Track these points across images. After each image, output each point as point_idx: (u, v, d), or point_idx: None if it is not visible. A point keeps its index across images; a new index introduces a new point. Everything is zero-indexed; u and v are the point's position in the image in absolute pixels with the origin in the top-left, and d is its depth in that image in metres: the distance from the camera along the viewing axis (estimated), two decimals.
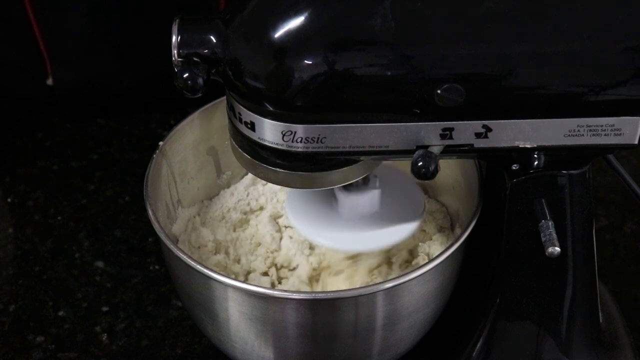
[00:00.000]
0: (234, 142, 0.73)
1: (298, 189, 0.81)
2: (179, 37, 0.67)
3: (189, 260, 0.74)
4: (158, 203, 0.82)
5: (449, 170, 0.86)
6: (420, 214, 0.81)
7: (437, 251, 0.86)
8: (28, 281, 0.96)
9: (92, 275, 0.97)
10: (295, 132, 0.68)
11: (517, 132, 0.69)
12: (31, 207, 1.04)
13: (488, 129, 0.68)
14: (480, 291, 0.82)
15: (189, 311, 0.84)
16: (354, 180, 0.75)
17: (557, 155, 0.72)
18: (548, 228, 0.72)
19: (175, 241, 0.86)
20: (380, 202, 0.80)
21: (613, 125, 0.69)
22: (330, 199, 0.80)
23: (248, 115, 0.69)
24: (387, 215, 0.81)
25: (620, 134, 0.69)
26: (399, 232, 0.80)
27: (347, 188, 0.78)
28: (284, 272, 0.87)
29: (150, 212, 0.78)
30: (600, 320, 0.82)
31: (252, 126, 0.69)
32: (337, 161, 0.71)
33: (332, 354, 0.77)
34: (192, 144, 0.87)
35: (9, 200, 1.05)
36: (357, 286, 0.83)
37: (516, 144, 0.69)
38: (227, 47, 0.67)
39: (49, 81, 1.10)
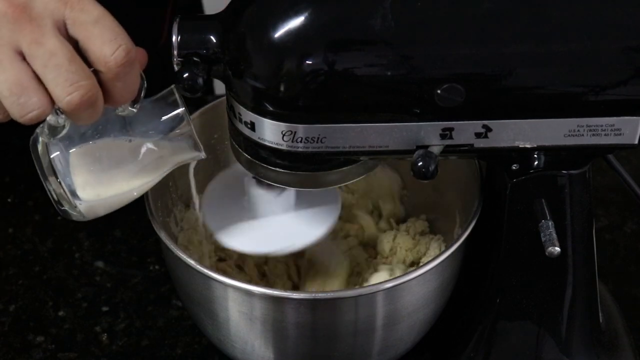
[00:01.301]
0: (234, 142, 0.73)
1: (212, 190, 0.82)
2: (179, 37, 0.67)
3: (189, 260, 0.74)
4: (158, 203, 0.82)
5: (449, 170, 0.86)
6: (334, 214, 0.81)
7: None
8: (28, 281, 0.96)
9: (92, 275, 0.97)
10: (295, 132, 0.68)
11: (517, 132, 0.69)
12: (31, 207, 1.04)
13: (488, 129, 0.68)
14: (480, 291, 0.82)
15: (189, 311, 0.84)
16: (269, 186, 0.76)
17: (557, 155, 0.72)
18: (548, 228, 0.72)
19: (175, 241, 0.86)
20: (294, 202, 0.80)
21: (613, 125, 0.69)
22: (243, 198, 0.81)
23: (248, 115, 0.69)
24: (301, 215, 0.80)
25: (620, 134, 0.69)
26: (311, 234, 0.80)
27: (260, 186, 0.78)
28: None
29: (150, 212, 0.78)
30: (600, 320, 0.82)
31: (252, 126, 0.69)
32: (337, 161, 0.71)
33: (332, 354, 0.77)
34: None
35: (9, 200, 1.05)
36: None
37: (516, 144, 0.69)
38: (227, 47, 0.67)
39: None
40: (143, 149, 0.72)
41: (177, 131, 0.72)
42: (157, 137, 0.72)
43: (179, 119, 0.71)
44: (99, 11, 0.64)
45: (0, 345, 0.90)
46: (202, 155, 0.73)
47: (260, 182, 0.77)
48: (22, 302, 0.94)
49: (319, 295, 0.74)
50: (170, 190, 0.86)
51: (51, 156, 0.70)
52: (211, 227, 0.81)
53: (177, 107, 0.71)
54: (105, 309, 0.93)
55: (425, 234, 0.91)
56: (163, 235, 0.76)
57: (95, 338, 0.91)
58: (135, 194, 0.74)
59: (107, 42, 0.63)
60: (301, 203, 0.81)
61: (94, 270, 0.97)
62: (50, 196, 0.72)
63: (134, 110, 0.69)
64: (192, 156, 0.74)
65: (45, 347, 0.90)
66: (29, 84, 0.63)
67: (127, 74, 0.64)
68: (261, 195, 0.79)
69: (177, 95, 0.71)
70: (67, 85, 0.62)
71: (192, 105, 0.84)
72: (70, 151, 0.70)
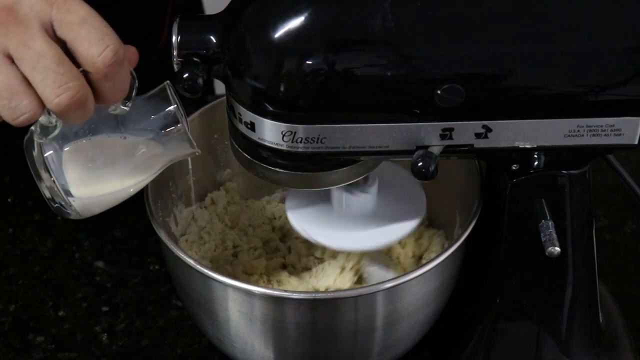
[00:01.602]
0: (233, 142, 0.73)
1: (297, 190, 0.81)
2: (179, 37, 0.67)
3: (189, 260, 0.74)
4: (158, 203, 0.82)
5: (449, 170, 0.86)
6: (420, 212, 0.81)
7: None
8: (28, 281, 0.96)
9: (92, 275, 0.97)
10: (295, 132, 0.68)
11: (517, 132, 0.69)
12: (31, 207, 1.04)
13: (488, 129, 0.68)
14: (480, 291, 0.82)
15: (189, 311, 0.84)
16: (354, 180, 0.75)
17: (557, 155, 0.72)
18: (548, 228, 0.72)
19: (175, 241, 0.86)
20: (378, 202, 0.80)
21: (613, 126, 0.69)
22: (328, 198, 0.80)
23: (248, 116, 0.69)
24: (386, 214, 0.81)
25: (620, 134, 0.69)
26: (397, 231, 0.80)
27: (346, 188, 0.78)
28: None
29: (150, 212, 0.78)
30: (600, 320, 0.82)
31: (252, 126, 0.69)
32: (337, 161, 0.71)
33: (332, 354, 0.77)
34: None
35: (9, 200, 1.05)
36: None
37: (516, 144, 0.69)
38: (227, 47, 0.67)
39: None
40: (136, 147, 0.72)
41: (171, 128, 0.72)
42: (151, 135, 0.72)
43: (172, 116, 0.71)
44: (85, 11, 0.63)
45: (0, 345, 0.90)
46: (197, 151, 0.73)
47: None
48: (22, 302, 0.94)
49: (319, 295, 0.74)
50: (170, 190, 0.86)
51: (45, 155, 0.70)
52: (295, 224, 0.81)
53: (170, 104, 0.71)
54: (105, 309, 0.93)
55: (428, 228, 0.90)
56: (163, 235, 0.76)
57: (95, 338, 0.91)
58: (132, 191, 0.74)
59: (95, 43, 0.63)
60: (387, 201, 0.81)
61: (94, 270, 0.97)
62: (43, 195, 0.72)
63: (126, 108, 0.69)
64: (186, 153, 0.74)
65: (45, 347, 0.90)
66: (18, 87, 0.63)
67: (116, 74, 0.64)
68: (345, 196, 0.78)
69: (169, 92, 0.71)
70: (55, 87, 0.62)
71: (192, 106, 0.84)
72: (64, 150, 0.70)
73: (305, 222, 0.80)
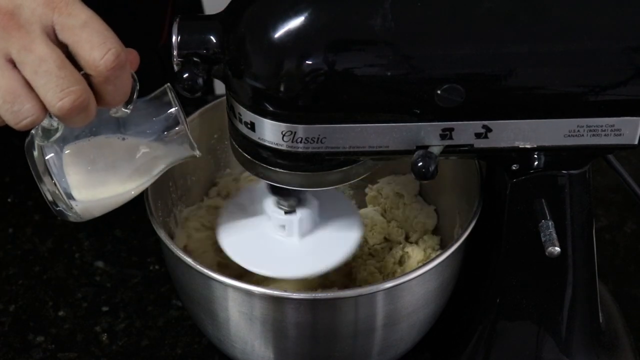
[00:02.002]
0: (233, 142, 0.73)
1: (226, 216, 0.81)
2: (179, 37, 0.67)
3: (189, 260, 0.74)
4: (158, 203, 0.82)
5: (449, 170, 0.86)
6: (357, 235, 0.80)
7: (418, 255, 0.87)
8: (28, 281, 0.96)
9: (92, 275, 0.97)
10: (295, 132, 0.68)
11: (517, 132, 0.69)
12: (31, 207, 1.04)
13: (488, 129, 0.68)
14: (480, 291, 0.82)
15: (189, 311, 0.84)
16: (287, 202, 0.76)
17: (557, 155, 0.72)
18: (548, 228, 0.72)
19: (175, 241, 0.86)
20: (314, 225, 0.80)
21: (613, 126, 0.69)
22: (262, 222, 0.80)
23: (248, 116, 0.69)
24: (324, 237, 0.80)
25: (620, 134, 0.69)
26: (336, 255, 0.79)
27: (279, 209, 0.78)
28: None
29: (150, 212, 0.78)
30: (600, 320, 0.82)
31: (252, 126, 0.69)
32: (337, 161, 0.71)
33: (332, 354, 0.77)
34: None
35: (9, 200, 1.05)
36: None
37: (516, 144, 0.69)
38: (227, 47, 0.67)
39: None
40: (137, 149, 0.72)
41: (172, 130, 0.72)
42: (152, 137, 0.72)
43: (173, 118, 0.71)
44: (86, 15, 0.63)
45: (0, 345, 0.90)
46: (197, 153, 0.73)
47: (278, 204, 0.77)
48: (22, 302, 0.94)
49: (319, 295, 0.74)
50: (170, 190, 0.86)
51: (46, 157, 0.70)
52: (225, 248, 0.80)
53: (171, 106, 0.71)
54: (105, 309, 0.93)
55: (436, 250, 0.90)
56: (163, 235, 0.76)
57: (95, 338, 0.91)
58: (133, 194, 0.74)
59: (96, 47, 0.63)
60: (322, 226, 0.80)
61: (94, 270, 0.97)
62: (45, 197, 0.72)
63: (127, 111, 0.69)
64: (187, 155, 0.74)
65: (45, 347, 0.90)
66: (21, 91, 0.63)
67: (118, 77, 0.64)
68: (279, 217, 0.78)
69: (170, 95, 0.71)
70: (57, 91, 0.62)
71: (192, 106, 0.84)
72: (65, 152, 0.70)
73: (239, 251, 0.79)
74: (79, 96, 0.63)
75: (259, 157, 0.71)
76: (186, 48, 0.68)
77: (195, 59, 0.67)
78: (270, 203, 0.78)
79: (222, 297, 0.75)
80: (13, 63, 0.63)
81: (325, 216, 0.80)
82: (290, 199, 0.76)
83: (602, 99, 0.67)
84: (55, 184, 0.70)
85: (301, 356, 0.78)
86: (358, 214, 0.84)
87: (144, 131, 0.72)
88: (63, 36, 0.63)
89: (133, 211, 1.03)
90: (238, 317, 0.75)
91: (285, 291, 0.74)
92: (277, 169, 0.71)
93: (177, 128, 0.72)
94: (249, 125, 0.69)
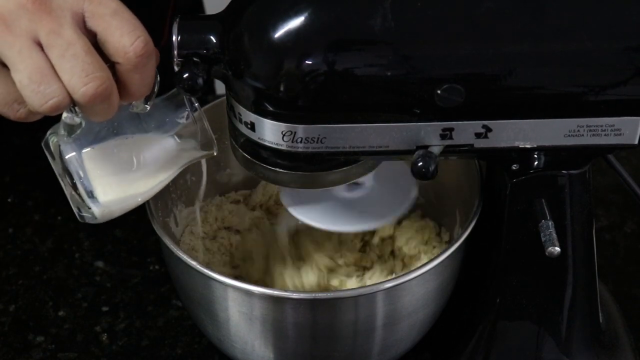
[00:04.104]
0: (233, 142, 0.73)
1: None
2: (179, 37, 0.67)
3: (189, 260, 0.74)
4: (158, 203, 0.82)
5: (449, 170, 0.86)
6: (407, 202, 0.81)
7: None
8: (28, 281, 0.96)
9: (92, 275, 0.97)
10: (295, 133, 0.68)
11: (517, 132, 0.69)
12: (31, 207, 1.04)
13: (488, 129, 0.68)
14: (480, 291, 0.82)
15: (189, 311, 0.84)
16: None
17: (557, 155, 0.72)
18: (548, 228, 0.72)
19: (176, 241, 0.86)
20: (370, 185, 0.81)
21: (613, 126, 0.69)
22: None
23: (248, 115, 0.69)
24: (374, 198, 0.81)
25: (620, 134, 0.69)
26: (383, 217, 0.81)
27: None
28: None
29: (150, 212, 0.78)
30: (600, 320, 0.82)
31: (252, 126, 0.69)
32: (337, 161, 0.71)
33: (332, 354, 0.77)
34: None
35: (9, 200, 1.05)
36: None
37: (516, 144, 0.69)
38: (227, 47, 0.67)
39: None
40: (160, 145, 0.72)
41: (190, 128, 0.72)
42: (170, 135, 0.72)
43: (191, 117, 0.72)
44: (116, 4, 0.65)
45: (0, 345, 0.90)
46: (215, 151, 0.74)
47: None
48: (22, 302, 0.94)
49: (319, 295, 0.74)
50: (170, 190, 0.86)
51: (66, 157, 0.70)
52: (287, 203, 0.81)
53: (187, 105, 0.71)
54: (105, 309, 0.93)
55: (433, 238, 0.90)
56: (163, 235, 0.76)
57: (95, 338, 0.91)
58: (152, 193, 0.74)
59: (126, 34, 0.64)
60: (377, 184, 0.81)
61: (94, 270, 0.97)
62: (69, 199, 0.72)
63: (147, 107, 0.69)
64: (204, 153, 0.74)
65: (45, 347, 0.90)
66: (47, 72, 0.63)
67: (145, 65, 0.65)
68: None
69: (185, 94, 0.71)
70: (83, 75, 0.63)
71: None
72: (84, 151, 0.70)
73: (298, 203, 0.80)
74: (103, 82, 0.63)
75: (259, 157, 0.71)
76: (186, 48, 0.68)
77: (195, 59, 0.67)
78: None
79: (221, 297, 0.75)
80: (41, 46, 0.63)
81: (384, 175, 0.81)
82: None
83: (602, 99, 0.67)
84: (75, 184, 0.70)
85: (301, 356, 0.78)
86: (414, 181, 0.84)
87: (165, 127, 0.72)
88: (93, 23, 0.64)
89: (133, 211, 1.03)
90: (238, 317, 0.75)
91: (285, 291, 0.74)
92: (277, 169, 0.71)
93: (195, 126, 0.72)
94: (249, 125, 0.69)
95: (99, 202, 0.71)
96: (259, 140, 0.69)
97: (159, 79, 0.68)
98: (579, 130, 0.69)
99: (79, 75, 0.63)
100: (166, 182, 0.74)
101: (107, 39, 0.64)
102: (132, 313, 0.93)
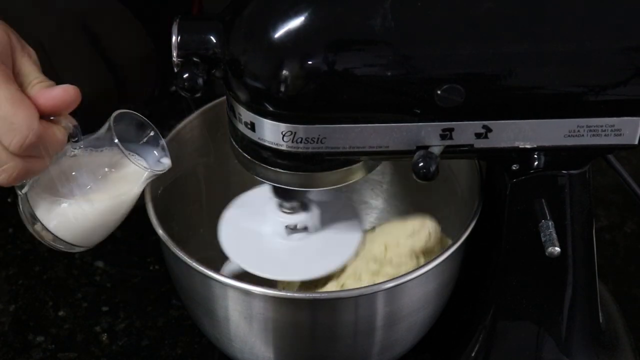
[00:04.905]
0: (233, 142, 0.73)
1: (228, 219, 0.81)
2: (179, 38, 0.67)
3: (189, 260, 0.74)
4: (158, 202, 0.82)
5: (449, 170, 0.86)
6: (356, 241, 0.80)
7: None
8: (28, 281, 0.96)
9: (92, 275, 0.97)
10: (295, 133, 0.68)
11: (517, 133, 0.69)
12: None
13: (488, 129, 0.68)
14: (480, 291, 0.82)
15: (189, 311, 0.84)
16: (289, 204, 0.76)
17: (557, 155, 0.72)
18: (548, 228, 0.72)
19: (176, 241, 0.86)
20: (315, 228, 0.79)
21: (613, 126, 0.69)
22: (262, 225, 0.80)
23: (248, 116, 0.69)
24: (322, 241, 0.80)
25: (620, 134, 0.69)
26: (329, 264, 0.78)
27: (282, 211, 0.78)
28: None
29: (150, 212, 0.78)
30: (600, 320, 0.82)
31: (252, 126, 0.69)
32: (337, 161, 0.71)
33: (331, 354, 0.77)
34: (192, 143, 0.87)
35: (9, 200, 1.05)
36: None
37: (516, 144, 0.69)
38: (227, 47, 0.67)
39: None
40: (100, 170, 0.74)
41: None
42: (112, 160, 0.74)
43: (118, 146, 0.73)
44: None
45: (0, 345, 0.90)
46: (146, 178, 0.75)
47: (280, 207, 0.78)
48: (22, 302, 0.94)
49: (319, 295, 0.74)
50: (170, 190, 0.86)
51: (25, 207, 0.75)
52: (228, 252, 0.80)
53: (114, 138, 0.72)
54: (105, 309, 0.93)
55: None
56: (163, 235, 0.76)
57: (95, 338, 0.91)
58: (119, 215, 0.76)
59: (2, 135, 0.66)
60: (322, 229, 0.80)
61: (94, 270, 0.97)
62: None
63: (76, 150, 0.72)
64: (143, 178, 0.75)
65: (45, 347, 0.90)
66: None
67: (35, 148, 0.67)
68: (281, 222, 0.78)
69: (112, 129, 0.72)
70: None
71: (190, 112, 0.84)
72: (37, 198, 0.74)
73: (238, 252, 0.79)
74: (12, 173, 0.67)
75: (259, 157, 0.71)
76: (186, 48, 0.68)
77: (195, 59, 0.67)
78: (273, 206, 0.78)
79: (221, 297, 0.75)
80: None
81: (326, 218, 0.80)
82: (292, 202, 0.76)
83: (602, 99, 0.67)
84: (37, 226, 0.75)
85: (301, 356, 0.78)
86: (358, 215, 0.83)
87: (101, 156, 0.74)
88: None
89: (133, 211, 1.03)
90: (237, 317, 0.75)
91: (285, 291, 0.74)
92: (277, 169, 0.71)
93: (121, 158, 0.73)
94: (249, 126, 0.69)
95: (55, 232, 0.75)
96: (259, 141, 0.69)
97: (75, 129, 0.70)
98: (579, 131, 0.69)
99: None
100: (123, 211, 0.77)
101: None
102: (132, 313, 0.93)
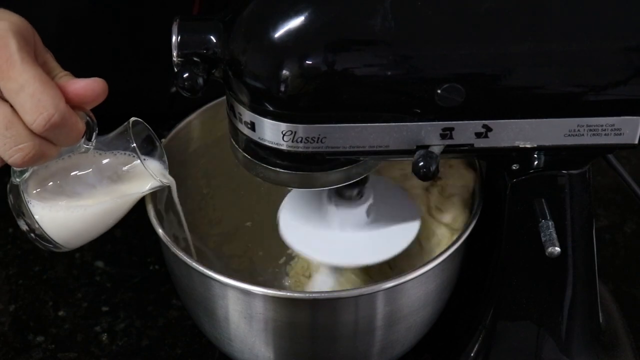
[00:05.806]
0: (233, 142, 0.73)
1: (289, 204, 0.81)
2: (179, 37, 0.67)
3: (189, 260, 0.74)
4: (158, 202, 0.82)
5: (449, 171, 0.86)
6: (414, 228, 0.80)
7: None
8: (28, 281, 0.96)
9: (92, 275, 0.97)
10: (295, 132, 0.68)
11: (517, 132, 0.69)
12: None
13: (488, 129, 0.68)
14: (480, 291, 0.82)
15: (189, 311, 0.84)
16: (349, 192, 0.76)
17: (557, 155, 0.72)
18: (548, 228, 0.72)
19: (175, 241, 0.86)
20: (372, 215, 0.79)
21: (613, 125, 0.69)
22: (322, 210, 0.80)
23: (248, 115, 0.69)
24: (381, 228, 0.80)
25: (620, 134, 0.69)
26: (393, 247, 0.79)
27: (338, 202, 0.78)
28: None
29: (150, 212, 0.78)
30: (600, 320, 0.82)
31: (252, 126, 0.69)
32: (337, 161, 0.71)
33: (331, 354, 0.77)
34: (192, 143, 0.87)
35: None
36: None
37: (516, 143, 0.69)
38: (227, 47, 0.67)
39: None
40: (104, 173, 0.74)
41: (129, 165, 0.74)
42: (119, 168, 0.74)
43: (136, 152, 0.73)
44: (24, 78, 0.66)
45: (0, 345, 0.90)
46: (163, 183, 0.76)
47: (339, 195, 0.78)
48: (22, 302, 0.94)
49: (319, 295, 0.74)
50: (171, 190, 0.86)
51: (24, 199, 0.75)
52: (287, 238, 0.80)
53: (130, 143, 0.73)
54: (105, 309, 0.93)
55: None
56: (163, 235, 0.76)
57: (95, 338, 0.91)
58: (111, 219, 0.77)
59: (28, 111, 0.65)
60: (380, 217, 0.80)
61: (94, 270, 0.97)
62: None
63: (89, 147, 0.71)
64: (153, 186, 0.76)
65: (45, 347, 0.90)
66: None
67: (57, 132, 0.67)
68: (338, 209, 0.78)
69: (130, 132, 0.73)
70: (6, 149, 0.66)
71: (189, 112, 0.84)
72: (33, 191, 0.74)
73: (297, 236, 0.79)
74: (28, 152, 0.66)
75: (259, 157, 0.71)
76: (186, 48, 0.68)
77: (195, 59, 0.67)
78: (332, 193, 0.78)
79: (221, 296, 0.75)
80: None
81: (382, 207, 0.80)
82: (352, 190, 0.77)
83: (602, 99, 0.67)
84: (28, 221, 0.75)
85: (300, 356, 0.78)
86: (414, 204, 0.83)
87: (109, 164, 0.75)
88: (5, 97, 0.66)
89: (133, 211, 1.03)
90: (237, 316, 0.75)
91: (285, 291, 0.74)
92: (277, 169, 0.71)
93: (134, 162, 0.74)
94: (249, 125, 0.69)
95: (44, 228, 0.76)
96: (259, 140, 0.69)
97: (93, 123, 0.70)
98: (579, 130, 0.69)
99: (3, 149, 0.66)
100: (118, 213, 0.76)
101: (18, 113, 0.66)
102: (132, 313, 0.93)
